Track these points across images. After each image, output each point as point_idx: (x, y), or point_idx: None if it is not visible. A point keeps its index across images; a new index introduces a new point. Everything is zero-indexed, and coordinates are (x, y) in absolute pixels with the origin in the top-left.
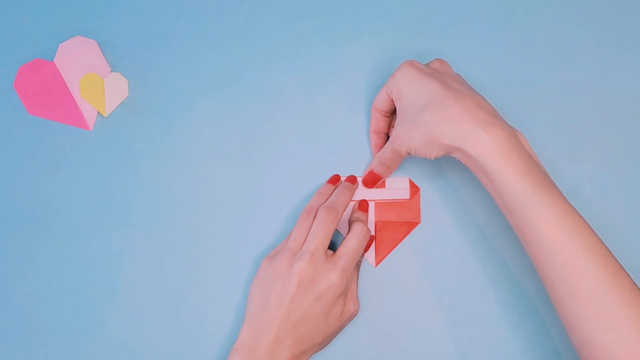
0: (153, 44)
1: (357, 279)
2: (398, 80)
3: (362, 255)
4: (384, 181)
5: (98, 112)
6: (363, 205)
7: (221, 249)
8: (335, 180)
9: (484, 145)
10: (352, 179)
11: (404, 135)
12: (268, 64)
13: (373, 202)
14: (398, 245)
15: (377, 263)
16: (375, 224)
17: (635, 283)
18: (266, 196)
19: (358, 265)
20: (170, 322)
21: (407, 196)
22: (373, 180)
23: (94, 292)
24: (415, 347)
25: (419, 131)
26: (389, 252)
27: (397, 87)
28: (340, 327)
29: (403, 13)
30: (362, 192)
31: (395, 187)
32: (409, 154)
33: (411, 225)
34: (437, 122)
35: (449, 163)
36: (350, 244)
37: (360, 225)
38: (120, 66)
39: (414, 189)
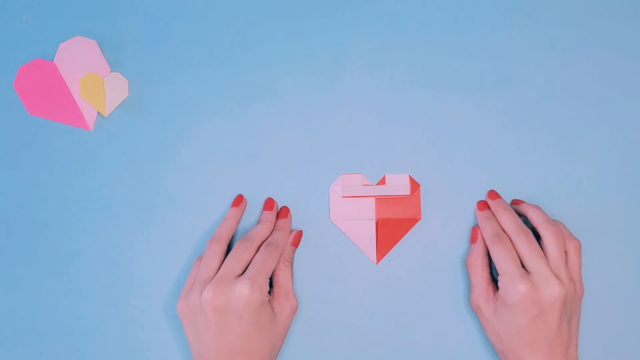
0: (153, 44)
1: (292, 275)
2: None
3: (294, 251)
4: (384, 177)
5: (98, 112)
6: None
7: None
8: (238, 201)
9: None
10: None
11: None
12: (268, 63)
13: (374, 198)
14: (399, 242)
15: (379, 260)
16: (376, 221)
17: None
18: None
19: (290, 262)
20: (172, 325)
21: (408, 192)
22: None
23: (94, 292)
24: (416, 345)
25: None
26: (390, 248)
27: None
28: (283, 326)
29: (404, 12)
30: (368, 191)
31: (396, 184)
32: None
33: (412, 221)
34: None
35: (449, 159)
36: (257, 258)
37: (265, 243)
38: (120, 66)
39: (414, 185)
